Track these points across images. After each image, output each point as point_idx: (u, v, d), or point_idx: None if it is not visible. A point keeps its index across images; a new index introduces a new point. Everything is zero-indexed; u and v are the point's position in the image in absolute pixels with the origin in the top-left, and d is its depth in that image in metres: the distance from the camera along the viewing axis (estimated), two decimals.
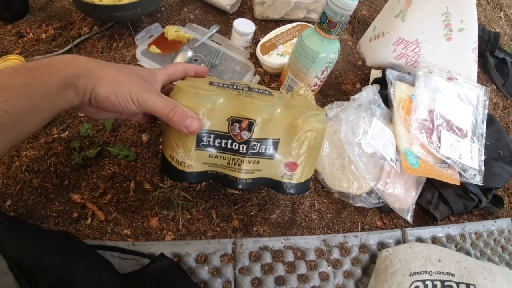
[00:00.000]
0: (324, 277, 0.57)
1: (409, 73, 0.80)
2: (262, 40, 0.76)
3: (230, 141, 0.44)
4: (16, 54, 0.68)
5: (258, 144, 0.45)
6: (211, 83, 0.47)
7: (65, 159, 0.60)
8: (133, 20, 0.77)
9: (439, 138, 0.70)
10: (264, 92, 0.49)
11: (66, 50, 0.71)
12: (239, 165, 0.46)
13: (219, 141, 0.44)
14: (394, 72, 0.74)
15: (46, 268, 0.39)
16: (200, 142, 0.44)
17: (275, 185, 0.49)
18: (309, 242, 0.59)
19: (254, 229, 0.59)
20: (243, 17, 0.84)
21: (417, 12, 0.70)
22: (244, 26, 0.76)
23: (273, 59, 0.74)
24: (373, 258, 0.61)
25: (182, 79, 0.48)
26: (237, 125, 0.43)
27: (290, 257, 0.57)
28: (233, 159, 0.46)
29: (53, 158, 0.59)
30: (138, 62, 0.72)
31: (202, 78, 0.50)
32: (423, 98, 0.73)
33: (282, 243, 0.58)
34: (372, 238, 0.62)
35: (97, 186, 0.58)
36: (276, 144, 0.46)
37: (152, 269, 0.46)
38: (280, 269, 0.56)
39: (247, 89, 0.48)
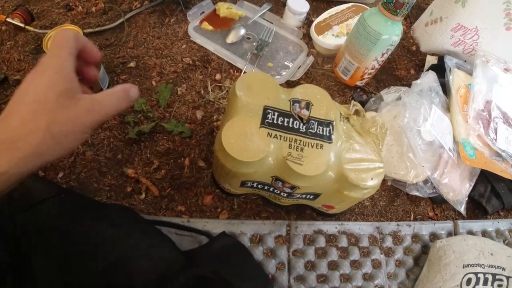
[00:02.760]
0: (376, 265, 0.56)
1: (465, 61, 0.76)
2: (317, 20, 0.74)
3: (272, 188, 0.49)
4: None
5: (299, 195, 0.49)
6: (263, 125, 0.44)
7: (119, 133, 0.60)
8: None
9: (495, 130, 0.67)
10: (322, 137, 0.45)
11: (117, 24, 0.70)
12: (279, 199, 0.52)
13: (262, 186, 0.49)
14: (453, 59, 0.71)
15: (107, 243, 0.39)
16: (243, 185, 0.49)
17: (312, 208, 0.57)
18: (363, 228, 0.58)
19: (308, 212, 0.58)
20: None
21: None
22: (298, 5, 0.73)
23: (328, 40, 0.71)
24: (425, 248, 0.60)
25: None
26: (280, 182, 0.46)
27: (344, 242, 0.56)
28: (274, 196, 0.52)
29: (107, 132, 0.59)
30: (191, 38, 0.71)
31: (254, 117, 0.45)
32: (481, 88, 0.69)
33: (336, 228, 0.57)
34: (425, 229, 0.61)
35: (150, 161, 0.58)
36: (317, 195, 0.49)
37: (215, 247, 0.45)
38: (334, 254, 0.55)
39: (302, 135, 0.45)
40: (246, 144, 0.42)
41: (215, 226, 0.53)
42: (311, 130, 0.45)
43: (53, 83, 0.28)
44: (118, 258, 0.38)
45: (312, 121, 0.46)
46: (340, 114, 0.49)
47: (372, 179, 0.45)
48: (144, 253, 0.40)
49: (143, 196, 0.55)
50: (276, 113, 0.45)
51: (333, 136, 0.45)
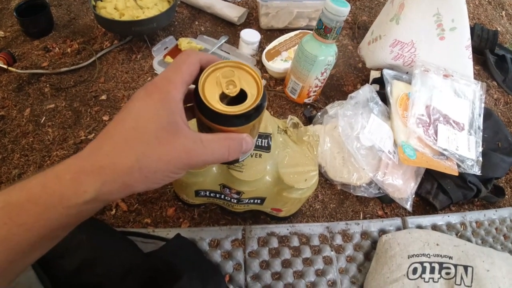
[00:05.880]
0: (328, 261, 0.62)
1: (407, 73, 0.84)
2: (267, 48, 0.83)
3: (222, 195, 0.55)
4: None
5: (247, 199, 0.54)
6: None
7: None
8: (149, 34, 0.85)
9: (436, 132, 0.74)
10: (261, 148, 0.50)
11: (90, 62, 0.79)
12: (232, 206, 0.58)
13: (214, 194, 0.55)
14: (391, 72, 0.79)
15: (76, 246, 0.45)
16: (197, 194, 0.55)
17: (266, 214, 0.63)
18: (313, 228, 0.64)
19: (262, 217, 0.64)
20: (250, 27, 0.91)
21: (410, 15, 0.75)
22: (250, 36, 0.83)
23: (277, 65, 0.80)
24: (374, 244, 0.65)
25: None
26: (227, 189, 0.52)
27: (295, 242, 0.62)
28: (227, 203, 0.58)
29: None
30: (156, 71, 0.80)
31: None
32: (420, 95, 0.77)
33: (288, 229, 0.63)
34: (373, 226, 0.67)
35: None
36: (263, 199, 0.55)
37: (169, 246, 0.52)
38: (286, 253, 0.61)
39: None
40: None
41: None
42: None
43: (156, 113, 0.25)
44: (87, 259, 0.44)
45: None
46: (278, 127, 0.56)
47: (305, 180, 0.51)
48: (111, 254, 0.47)
49: (113, 212, 0.62)
50: None
51: (271, 146, 0.52)
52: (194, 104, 0.29)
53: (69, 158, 0.25)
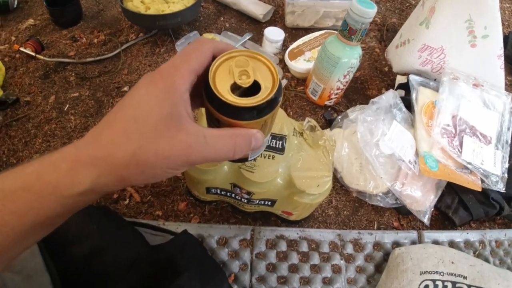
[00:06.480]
0: (336, 270, 0.60)
1: (435, 79, 0.81)
2: (291, 47, 0.82)
3: (233, 194, 0.55)
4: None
5: (257, 200, 0.54)
6: None
7: None
8: (174, 28, 0.86)
9: (461, 144, 0.70)
10: (274, 149, 0.50)
11: (115, 54, 0.81)
12: (243, 205, 0.57)
13: (225, 192, 0.55)
14: (418, 78, 0.76)
15: (87, 235, 0.46)
16: (209, 191, 0.55)
17: (277, 216, 0.63)
18: (324, 235, 0.62)
19: (272, 219, 0.63)
20: (275, 25, 0.90)
21: (440, 19, 0.71)
22: (274, 34, 0.82)
23: (300, 64, 0.78)
24: (387, 256, 0.63)
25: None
26: (238, 189, 0.52)
27: (304, 247, 0.61)
28: (238, 203, 0.58)
29: None
30: None
31: None
32: (447, 104, 0.73)
33: (297, 234, 0.62)
34: (387, 237, 0.64)
35: None
36: (273, 201, 0.55)
37: (176, 241, 0.52)
38: (294, 258, 0.60)
39: None
40: None
41: (187, 229, 0.59)
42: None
43: (157, 104, 0.24)
44: (96, 247, 0.45)
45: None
46: (294, 129, 0.55)
47: (318, 186, 0.50)
48: (118, 245, 0.48)
49: (127, 202, 0.63)
50: None
51: (285, 148, 0.51)
52: (203, 93, 0.27)
53: (67, 145, 0.24)
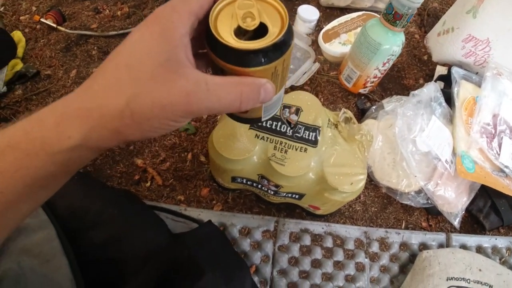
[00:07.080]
0: (360, 268, 0.58)
1: (476, 73, 0.75)
2: (325, 28, 0.76)
3: (259, 185, 0.53)
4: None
5: (284, 193, 0.52)
6: (252, 127, 0.48)
7: None
8: None
9: (499, 145, 0.66)
10: (307, 141, 0.48)
11: None
12: (268, 196, 0.56)
13: (251, 183, 0.53)
14: (461, 70, 0.70)
15: (107, 220, 0.44)
16: (234, 180, 0.53)
17: (302, 208, 0.60)
18: (350, 231, 0.60)
19: (297, 211, 0.61)
20: (308, 3, 0.84)
21: (489, 10, 0.66)
22: (308, 13, 0.76)
23: (335, 48, 0.73)
24: (413, 257, 0.61)
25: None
26: (266, 181, 0.50)
27: (329, 243, 0.59)
28: (263, 193, 0.56)
29: None
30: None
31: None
32: (488, 101, 0.68)
33: (323, 228, 0.59)
34: (415, 238, 0.62)
35: (158, 153, 0.64)
36: (302, 195, 0.52)
37: (199, 233, 0.50)
38: (318, 253, 0.58)
39: (288, 138, 0.48)
40: (234, 143, 0.47)
41: (209, 216, 0.57)
42: (297, 134, 0.48)
43: (153, 47, 0.21)
44: (115, 234, 0.44)
45: (300, 126, 0.49)
46: (328, 120, 0.52)
47: (351, 184, 0.47)
48: (138, 232, 0.46)
49: (148, 184, 0.61)
50: None
51: (318, 141, 0.48)
52: (204, 41, 0.24)
53: (57, 100, 0.22)
